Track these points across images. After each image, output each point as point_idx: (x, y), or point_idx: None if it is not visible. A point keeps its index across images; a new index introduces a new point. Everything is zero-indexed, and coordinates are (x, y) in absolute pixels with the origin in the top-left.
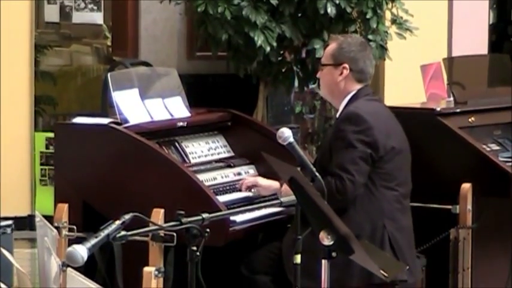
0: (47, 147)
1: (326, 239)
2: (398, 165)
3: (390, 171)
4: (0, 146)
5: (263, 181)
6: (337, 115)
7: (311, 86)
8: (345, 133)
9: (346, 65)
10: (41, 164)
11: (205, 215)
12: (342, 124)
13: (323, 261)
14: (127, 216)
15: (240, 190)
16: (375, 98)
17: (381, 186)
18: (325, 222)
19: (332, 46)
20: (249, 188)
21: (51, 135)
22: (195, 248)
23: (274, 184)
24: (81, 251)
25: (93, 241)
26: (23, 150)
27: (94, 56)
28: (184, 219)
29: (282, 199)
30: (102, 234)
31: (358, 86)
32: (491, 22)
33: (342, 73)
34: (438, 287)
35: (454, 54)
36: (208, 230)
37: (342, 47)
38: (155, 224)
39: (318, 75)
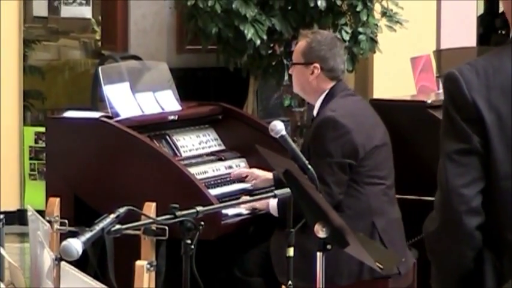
0: (36, 142)
1: (321, 232)
2: (381, 160)
3: (373, 167)
4: None
5: (260, 172)
6: (314, 113)
7: None
8: (322, 141)
9: (317, 64)
10: (30, 159)
11: (199, 208)
12: (319, 131)
13: (318, 253)
14: (121, 210)
15: (231, 183)
16: (350, 93)
17: (366, 184)
18: (320, 214)
19: (302, 44)
20: (242, 177)
21: (40, 129)
22: (189, 242)
23: (269, 175)
24: (76, 245)
25: (88, 235)
26: (12, 145)
27: (82, 50)
28: (178, 213)
29: (276, 192)
30: (97, 227)
31: (331, 84)
32: (478, 14)
33: (313, 72)
34: (430, 280)
35: (443, 46)
36: (202, 223)
37: (312, 46)
38: (149, 217)
39: (290, 72)
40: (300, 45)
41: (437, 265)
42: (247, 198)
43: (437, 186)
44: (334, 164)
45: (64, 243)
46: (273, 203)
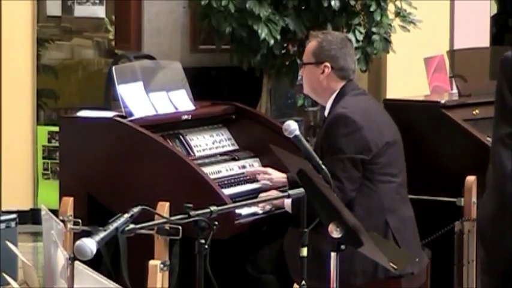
0: (49, 141)
1: (335, 232)
2: (393, 157)
3: (385, 164)
4: (2, 140)
5: (274, 172)
6: (326, 113)
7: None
8: (334, 137)
9: (328, 64)
10: (43, 158)
11: (213, 208)
12: (331, 128)
13: (332, 254)
14: (135, 209)
15: (245, 182)
16: (361, 91)
17: (378, 181)
18: (334, 214)
19: (312, 44)
20: (255, 176)
21: (53, 128)
22: (203, 241)
23: (283, 176)
24: (90, 245)
25: (102, 234)
26: (25, 144)
27: (95, 49)
28: (192, 212)
29: (290, 191)
30: (111, 227)
31: (341, 83)
32: (492, 14)
33: (323, 72)
34: (443, 280)
35: (456, 46)
36: (216, 222)
37: (322, 45)
38: (163, 217)
39: (301, 73)
40: (310, 46)
41: (488, 249)
42: (261, 197)
43: (491, 170)
44: (346, 159)
45: (78, 242)
46: (288, 200)
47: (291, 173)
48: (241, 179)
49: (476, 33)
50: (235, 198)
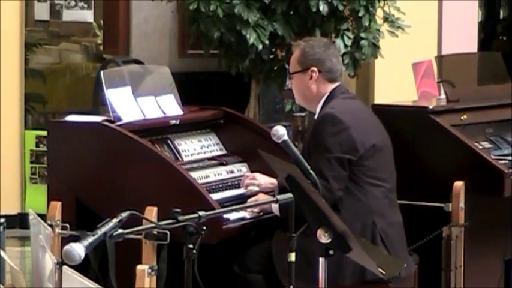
0: (36, 145)
1: (323, 237)
2: (381, 162)
3: (373, 168)
4: None
5: (262, 177)
6: (315, 117)
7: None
8: (321, 136)
9: (314, 68)
10: (31, 162)
11: (201, 213)
12: (318, 127)
13: (320, 259)
14: (124, 214)
15: (233, 187)
16: (350, 95)
17: (366, 184)
18: (323, 219)
19: (296, 53)
20: (247, 186)
21: (41, 133)
22: (191, 246)
23: (273, 181)
24: (78, 249)
25: (91, 239)
26: (13, 149)
27: (83, 54)
28: (180, 217)
29: (278, 196)
30: (100, 232)
31: (331, 86)
32: (479, 20)
33: (311, 77)
34: (431, 285)
35: (444, 52)
36: (204, 227)
37: (306, 51)
38: (152, 222)
39: (290, 85)
40: (294, 55)
41: None
42: (250, 201)
43: None
44: (333, 159)
45: (66, 247)
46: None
47: (282, 178)
48: (230, 184)
49: (465, 39)
50: (223, 203)
